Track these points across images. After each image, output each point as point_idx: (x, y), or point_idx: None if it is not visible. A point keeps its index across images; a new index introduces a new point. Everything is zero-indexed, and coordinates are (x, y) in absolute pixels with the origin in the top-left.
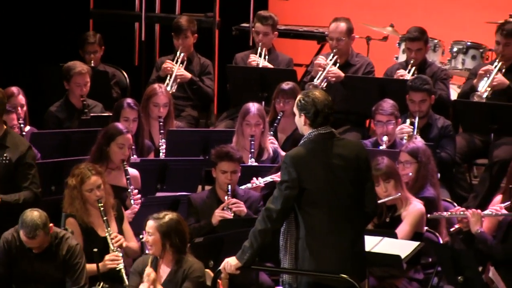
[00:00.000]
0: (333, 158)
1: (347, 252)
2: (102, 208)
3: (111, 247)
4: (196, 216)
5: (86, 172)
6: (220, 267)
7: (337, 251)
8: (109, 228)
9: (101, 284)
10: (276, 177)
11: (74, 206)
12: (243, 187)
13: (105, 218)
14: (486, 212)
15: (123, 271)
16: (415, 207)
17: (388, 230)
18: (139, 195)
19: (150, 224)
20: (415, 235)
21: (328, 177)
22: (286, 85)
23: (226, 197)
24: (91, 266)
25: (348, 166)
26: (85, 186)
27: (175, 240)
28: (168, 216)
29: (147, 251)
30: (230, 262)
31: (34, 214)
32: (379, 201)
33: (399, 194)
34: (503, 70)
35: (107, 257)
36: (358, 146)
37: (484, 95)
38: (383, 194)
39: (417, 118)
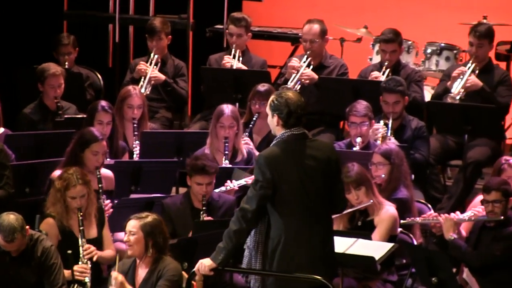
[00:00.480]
0: (305, 158)
1: (318, 252)
2: (80, 218)
3: (80, 256)
4: (170, 224)
5: (73, 180)
6: (195, 269)
7: (308, 251)
8: (83, 240)
9: (75, 286)
10: (249, 179)
11: (56, 207)
12: (216, 190)
13: (81, 228)
14: (460, 217)
15: (88, 284)
16: (387, 212)
17: (362, 231)
18: (110, 204)
19: (133, 223)
20: (389, 238)
21: (301, 177)
22: (262, 87)
23: (201, 212)
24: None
25: (320, 167)
26: (69, 192)
27: (159, 240)
28: (151, 216)
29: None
30: (204, 263)
31: (10, 218)
32: (351, 210)
33: (371, 201)
34: (477, 72)
35: (75, 267)
36: (329, 148)
37: (458, 97)
38: (355, 201)
39: (390, 120)
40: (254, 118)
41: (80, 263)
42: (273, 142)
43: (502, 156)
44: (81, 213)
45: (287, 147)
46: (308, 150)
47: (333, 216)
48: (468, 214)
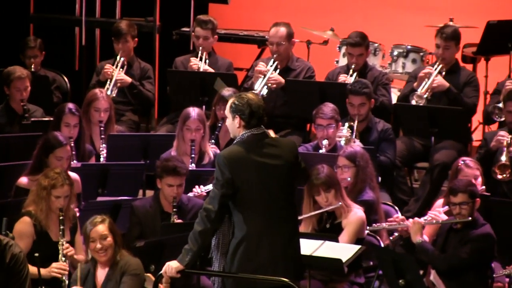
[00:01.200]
0: (266, 157)
1: (281, 253)
2: (61, 218)
3: (60, 255)
4: (139, 227)
5: (61, 180)
6: (162, 271)
7: (271, 251)
8: (63, 238)
9: None
10: None
11: (38, 206)
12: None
13: (62, 227)
14: (427, 220)
15: (66, 282)
16: (355, 214)
17: (329, 234)
18: (76, 209)
19: (102, 228)
20: (356, 240)
21: (262, 177)
22: (227, 92)
23: (172, 214)
24: (33, 269)
25: (281, 164)
26: (55, 191)
27: (119, 237)
28: (103, 216)
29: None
30: (172, 265)
31: None
32: (319, 211)
33: (340, 203)
34: (443, 73)
35: (54, 264)
36: (290, 145)
37: (425, 95)
38: (324, 203)
39: (356, 122)
40: (219, 124)
41: (60, 261)
42: (233, 143)
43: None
44: (63, 213)
45: (247, 147)
46: (268, 148)
47: (301, 217)
48: (426, 217)
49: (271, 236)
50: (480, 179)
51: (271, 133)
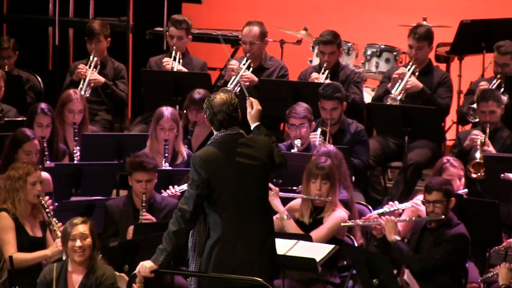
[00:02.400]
0: (240, 157)
1: (256, 253)
2: (43, 202)
3: (58, 233)
4: (113, 226)
5: (31, 167)
6: (135, 271)
7: (245, 252)
8: (55, 219)
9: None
10: None
11: (13, 198)
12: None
13: (47, 210)
14: (401, 218)
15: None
16: (338, 214)
17: (303, 234)
18: (50, 201)
19: (83, 227)
20: (334, 241)
21: (236, 177)
22: (198, 95)
23: (141, 208)
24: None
25: (256, 164)
26: (31, 178)
27: (98, 242)
28: (86, 219)
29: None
30: (145, 265)
31: None
32: (308, 196)
33: (329, 198)
34: (417, 73)
35: (58, 240)
36: (264, 144)
37: (399, 97)
38: (315, 191)
39: (328, 127)
40: (191, 128)
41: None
42: (208, 143)
43: (443, 156)
44: (42, 198)
45: (221, 147)
46: (244, 149)
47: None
48: (404, 217)
49: (246, 237)
50: (463, 180)
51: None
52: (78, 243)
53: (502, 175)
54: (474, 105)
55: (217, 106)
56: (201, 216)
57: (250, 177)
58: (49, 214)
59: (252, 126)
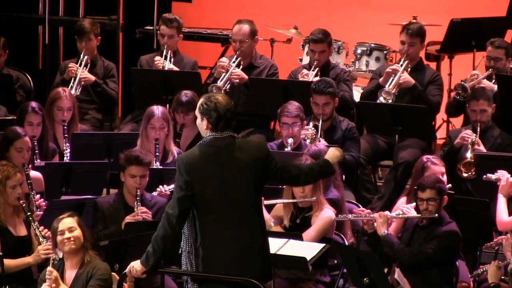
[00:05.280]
0: (228, 161)
1: (243, 256)
2: (24, 204)
3: (41, 239)
4: (103, 221)
5: (11, 169)
6: (126, 271)
7: (231, 255)
8: (36, 223)
9: (7, 287)
10: None
11: None
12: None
13: (29, 213)
14: (393, 214)
15: (57, 259)
16: (326, 213)
17: (293, 232)
18: (41, 199)
19: (69, 220)
20: (323, 240)
21: (221, 180)
22: (185, 97)
23: (135, 203)
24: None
25: (245, 168)
26: (10, 182)
27: (88, 234)
28: (72, 213)
29: (60, 255)
30: (136, 267)
31: None
32: (293, 200)
33: (314, 198)
34: (408, 70)
35: (40, 247)
36: (255, 147)
37: (393, 91)
38: (299, 194)
39: (320, 121)
40: (179, 131)
41: (42, 243)
42: (196, 145)
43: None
44: (23, 200)
45: (207, 150)
46: (232, 152)
47: (276, 201)
48: (395, 213)
49: (230, 240)
50: (445, 177)
51: None
52: (66, 234)
53: (484, 176)
54: (464, 83)
55: (223, 109)
56: (192, 219)
57: (236, 181)
58: (30, 218)
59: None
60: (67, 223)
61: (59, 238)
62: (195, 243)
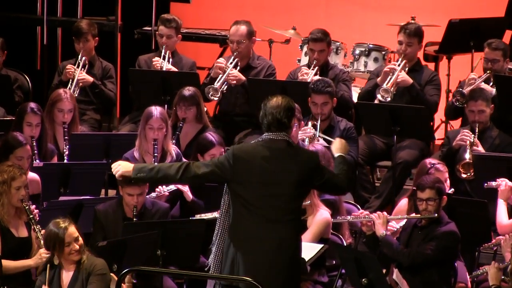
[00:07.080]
0: (274, 164)
1: (272, 258)
2: (27, 207)
3: (42, 242)
4: (102, 232)
5: (17, 171)
6: (114, 165)
7: (261, 256)
8: (38, 226)
9: None
10: (180, 185)
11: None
12: (147, 196)
13: (31, 216)
14: (392, 216)
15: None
16: (321, 215)
17: None
18: (34, 206)
19: (73, 229)
20: (320, 241)
21: (262, 181)
22: (187, 92)
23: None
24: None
25: (291, 173)
26: (15, 183)
27: (83, 236)
28: (66, 219)
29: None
30: (123, 166)
31: None
32: None
33: (308, 202)
34: (406, 70)
35: (42, 251)
36: (307, 156)
37: (392, 89)
38: None
39: (319, 121)
40: (180, 124)
41: (43, 246)
42: (254, 141)
43: (426, 159)
44: (26, 203)
45: (259, 149)
46: (283, 157)
47: None
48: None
49: (262, 242)
50: (448, 182)
51: None
52: (76, 246)
53: (486, 184)
54: (463, 89)
55: (269, 108)
56: (226, 206)
57: (279, 186)
58: (32, 221)
59: (336, 154)
60: (72, 233)
61: (66, 249)
62: (225, 238)
